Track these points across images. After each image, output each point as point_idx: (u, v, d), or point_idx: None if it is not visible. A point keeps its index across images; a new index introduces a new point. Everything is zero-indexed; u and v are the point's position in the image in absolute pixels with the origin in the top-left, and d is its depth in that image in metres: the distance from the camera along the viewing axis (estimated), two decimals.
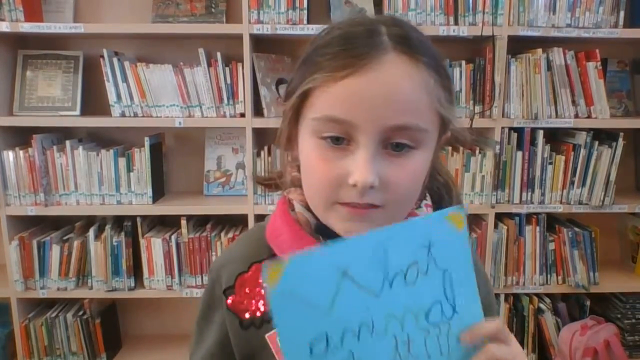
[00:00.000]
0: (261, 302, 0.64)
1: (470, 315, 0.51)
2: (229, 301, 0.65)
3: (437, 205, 0.69)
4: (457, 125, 0.62)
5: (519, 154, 1.94)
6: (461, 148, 1.97)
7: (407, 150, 0.55)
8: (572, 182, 1.98)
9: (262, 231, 0.67)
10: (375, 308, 0.47)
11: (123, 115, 1.91)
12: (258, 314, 0.64)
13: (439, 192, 0.69)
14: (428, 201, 0.68)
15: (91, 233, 1.97)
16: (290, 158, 0.66)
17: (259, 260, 0.65)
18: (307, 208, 0.63)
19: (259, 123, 1.90)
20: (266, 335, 0.62)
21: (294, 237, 0.62)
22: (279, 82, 2.01)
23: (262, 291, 0.64)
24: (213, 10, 1.96)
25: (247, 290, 0.65)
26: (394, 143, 0.55)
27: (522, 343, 2.08)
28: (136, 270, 2.02)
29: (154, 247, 1.97)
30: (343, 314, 0.45)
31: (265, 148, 1.96)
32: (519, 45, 1.95)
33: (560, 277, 2.04)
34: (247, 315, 0.64)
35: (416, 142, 0.55)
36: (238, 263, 0.66)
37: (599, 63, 1.90)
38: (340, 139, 0.55)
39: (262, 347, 0.62)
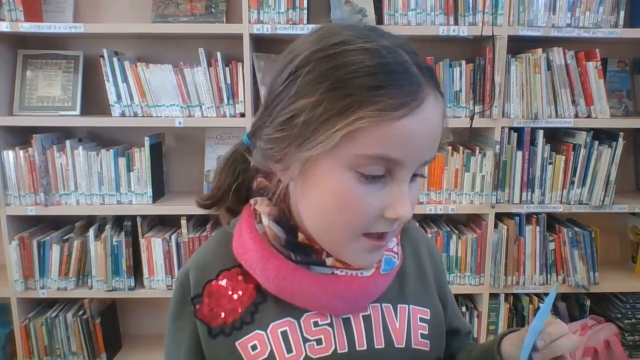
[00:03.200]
0: (229, 310, 0.63)
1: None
2: (197, 309, 0.64)
3: None
4: None
5: (519, 153, 1.94)
6: (461, 148, 1.97)
7: (420, 176, 0.59)
8: (572, 182, 1.98)
9: (230, 239, 0.66)
10: None
11: (123, 115, 1.91)
12: (227, 321, 0.63)
13: None
14: None
15: (91, 233, 1.97)
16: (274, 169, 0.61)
17: (227, 269, 0.65)
18: (277, 221, 0.62)
19: None
20: (236, 343, 0.62)
21: (262, 254, 0.61)
22: None
23: (234, 297, 0.63)
24: (213, 10, 1.96)
25: (215, 298, 0.64)
26: (414, 174, 0.57)
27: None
28: (136, 270, 2.02)
29: (154, 247, 1.97)
30: None
31: None
32: (519, 45, 1.95)
33: (560, 277, 2.04)
34: (216, 323, 0.63)
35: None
36: (206, 270, 0.65)
37: (599, 63, 1.90)
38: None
39: (231, 355, 0.62)
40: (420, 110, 0.52)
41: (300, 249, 0.61)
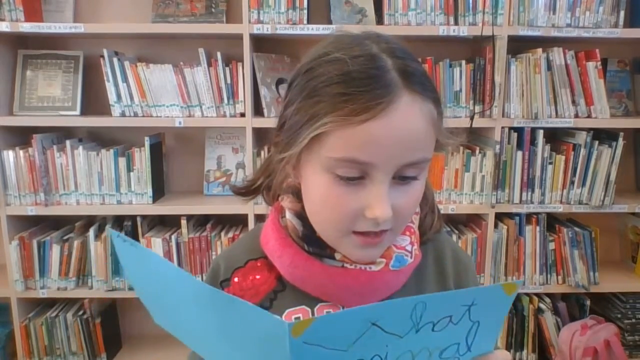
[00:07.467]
0: (252, 294, 0.68)
1: (481, 351, 0.53)
2: (225, 292, 0.67)
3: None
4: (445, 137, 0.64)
5: (519, 153, 1.94)
6: (461, 148, 1.97)
7: (412, 178, 0.59)
8: (572, 182, 1.98)
9: (260, 232, 0.72)
10: (393, 345, 0.47)
11: (123, 115, 1.91)
12: None
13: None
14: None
15: (91, 233, 1.97)
16: (291, 171, 0.66)
17: (254, 258, 0.71)
18: (297, 216, 0.67)
19: (259, 123, 1.90)
20: None
21: (280, 243, 0.67)
22: (279, 81, 2.01)
23: (257, 284, 0.69)
24: (213, 10, 1.96)
25: (240, 283, 0.70)
26: (402, 176, 0.58)
27: (522, 343, 2.08)
28: None
29: (154, 246, 1.97)
30: (360, 349, 0.46)
31: (265, 148, 1.96)
32: (519, 45, 1.95)
33: (560, 277, 2.04)
34: None
35: (421, 173, 0.60)
36: (236, 258, 0.72)
37: (599, 63, 1.90)
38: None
39: None
40: (387, 114, 0.54)
41: (315, 242, 0.65)
